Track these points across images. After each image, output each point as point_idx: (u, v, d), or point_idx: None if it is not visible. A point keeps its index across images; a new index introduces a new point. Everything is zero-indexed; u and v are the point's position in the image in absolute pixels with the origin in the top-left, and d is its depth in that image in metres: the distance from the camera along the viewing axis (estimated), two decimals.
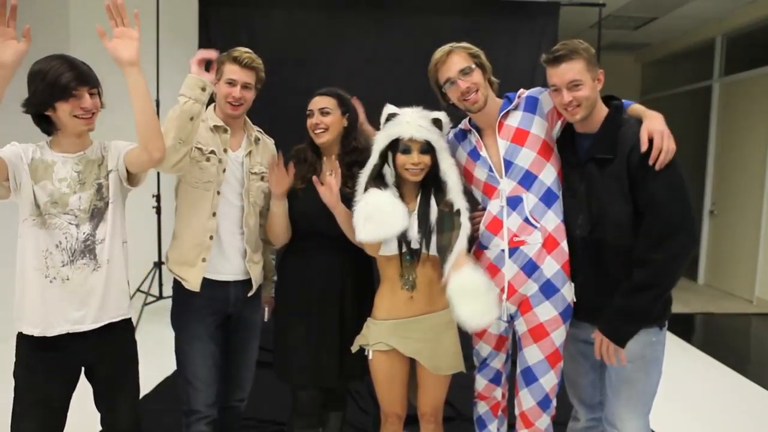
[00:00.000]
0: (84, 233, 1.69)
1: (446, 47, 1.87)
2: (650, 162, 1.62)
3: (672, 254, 1.64)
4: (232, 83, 1.94)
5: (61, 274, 1.67)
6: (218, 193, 1.96)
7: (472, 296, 1.71)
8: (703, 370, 3.85)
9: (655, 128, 1.65)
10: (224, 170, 1.96)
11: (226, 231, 1.97)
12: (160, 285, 4.64)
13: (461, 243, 1.78)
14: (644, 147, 1.63)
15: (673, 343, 4.25)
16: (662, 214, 1.64)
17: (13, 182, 1.64)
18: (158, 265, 4.56)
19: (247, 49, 1.98)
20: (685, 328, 4.78)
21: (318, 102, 2.01)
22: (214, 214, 1.95)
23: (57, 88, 1.59)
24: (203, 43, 4.20)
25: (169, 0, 4.43)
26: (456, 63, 1.84)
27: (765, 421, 3.08)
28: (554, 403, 1.90)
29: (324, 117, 1.99)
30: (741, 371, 3.76)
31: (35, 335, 1.66)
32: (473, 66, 1.84)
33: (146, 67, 4.84)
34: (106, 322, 1.74)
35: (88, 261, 1.70)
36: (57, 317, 1.67)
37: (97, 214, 1.72)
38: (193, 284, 1.94)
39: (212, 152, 1.94)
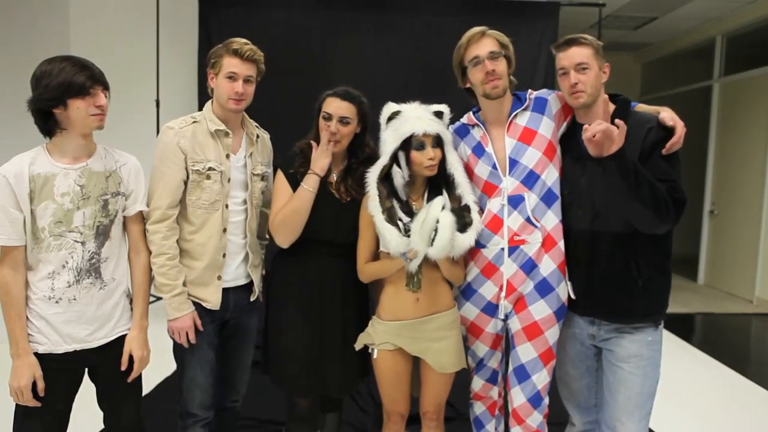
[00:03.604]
0: (89, 251, 1.67)
1: (481, 27, 1.89)
2: (667, 146, 1.69)
3: (677, 209, 1.67)
4: (233, 77, 1.84)
5: (67, 295, 1.65)
6: (226, 206, 1.90)
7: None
8: (703, 369, 3.85)
9: (676, 118, 1.72)
10: (229, 180, 1.90)
11: (231, 240, 1.93)
12: None
13: (469, 239, 1.79)
14: (670, 122, 1.71)
15: (673, 343, 4.25)
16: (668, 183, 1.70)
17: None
18: None
19: (245, 40, 1.87)
20: (685, 328, 4.78)
21: (339, 108, 1.89)
22: (225, 230, 1.90)
23: (73, 86, 1.57)
24: (203, 44, 4.21)
25: (169, 0, 4.43)
26: (487, 44, 1.86)
27: (765, 421, 3.08)
28: (546, 401, 1.91)
29: (343, 127, 1.89)
30: (741, 371, 3.76)
31: (40, 352, 1.65)
32: (501, 53, 1.86)
33: (146, 68, 4.84)
34: (113, 338, 1.75)
35: (94, 280, 1.68)
36: (64, 337, 1.66)
37: (102, 232, 1.69)
38: (214, 303, 1.90)
39: (211, 169, 1.86)
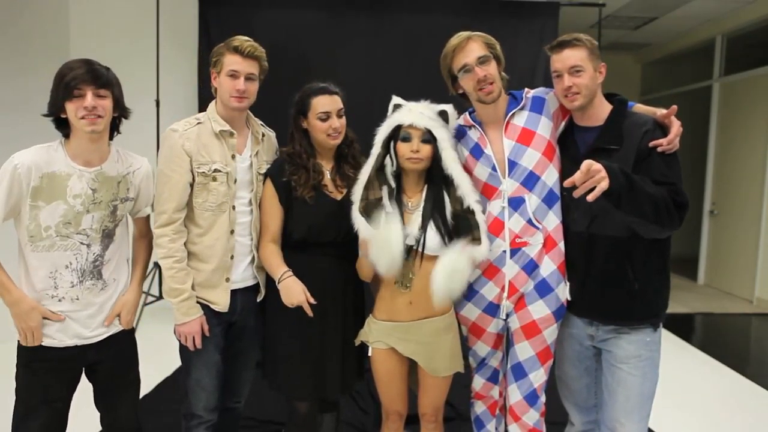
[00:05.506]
0: (94, 254, 1.68)
1: (465, 33, 1.84)
2: (665, 141, 1.66)
3: (680, 212, 1.65)
4: (234, 75, 1.82)
5: (70, 294, 1.66)
6: (233, 208, 1.87)
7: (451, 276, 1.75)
8: (703, 369, 3.84)
9: (674, 118, 1.73)
10: (235, 180, 1.87)
11: (239, 241, 1.91)
12: (160, 285, 4.64)
13: (485, 248, 1.79)
14: (672, 113, 1.70)
15: (673, 343, 4.25)
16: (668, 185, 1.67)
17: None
18: (158, 265, 4.56)
19: (247, 38, 1.85)
20: (685, 328, 4.78)
21: (333, 102, 1.90)
22: (232, 232, 1.88)
23: (62, 88, 1.58)
24: (203, 44, 4.21)
25: (169, 0, 4.43)
26: (474, 50, 1.81)
27: (765, 421, 3.07)
28: (543, 399, 1.91)
29: (341, 119, 1.91)
30: (741, 371, 3.75)
31: (43, 345, 1.66)
32: (490, 55, 1.82)
33: (146, 68, 4.84)
34: (111, 333, 1.76)
35: (96, 281, 1.70)
36: (65, 333, 1.67)
37: (107, 235, 1.71)
38: (223, 305, 1.89)
39: (216, 171, 1.83)
